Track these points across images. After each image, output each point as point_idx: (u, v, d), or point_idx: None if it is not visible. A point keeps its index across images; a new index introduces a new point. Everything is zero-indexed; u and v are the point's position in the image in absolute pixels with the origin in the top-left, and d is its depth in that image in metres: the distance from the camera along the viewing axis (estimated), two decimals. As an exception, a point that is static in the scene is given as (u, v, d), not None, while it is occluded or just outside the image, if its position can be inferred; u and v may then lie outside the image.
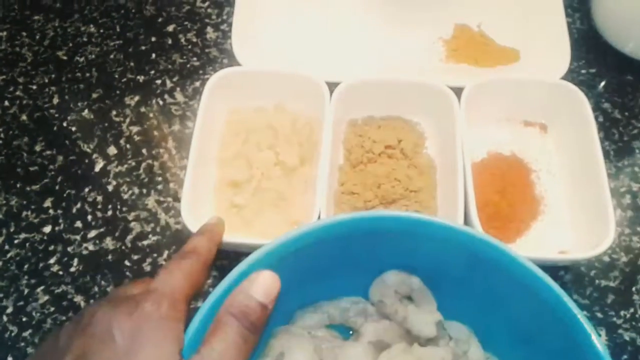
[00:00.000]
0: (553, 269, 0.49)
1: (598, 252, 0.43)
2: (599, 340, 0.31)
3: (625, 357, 0.46)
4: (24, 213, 0.52)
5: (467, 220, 0.46)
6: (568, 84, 0.52)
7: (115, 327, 0.27)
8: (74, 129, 0.56)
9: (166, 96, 0.58)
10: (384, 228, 0.36)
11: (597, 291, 0.48)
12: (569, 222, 0.49)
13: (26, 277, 0.49)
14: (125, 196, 0.53)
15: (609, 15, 0.59)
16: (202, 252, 0.35)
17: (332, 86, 0.52)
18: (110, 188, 0.53)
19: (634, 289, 0.49)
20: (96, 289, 0.49)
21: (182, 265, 0.33)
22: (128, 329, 0.27)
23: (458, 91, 0.51)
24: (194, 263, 0.33)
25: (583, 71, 0.60)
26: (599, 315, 0.47)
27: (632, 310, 0.48)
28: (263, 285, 0.29)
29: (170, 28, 0.62)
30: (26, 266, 0.50)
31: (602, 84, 0.59)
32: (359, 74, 0.54)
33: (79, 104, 0.58)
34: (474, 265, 0.37)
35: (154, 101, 0.58)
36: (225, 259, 0.49)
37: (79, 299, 0.48)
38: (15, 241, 0.51)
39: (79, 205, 0.52)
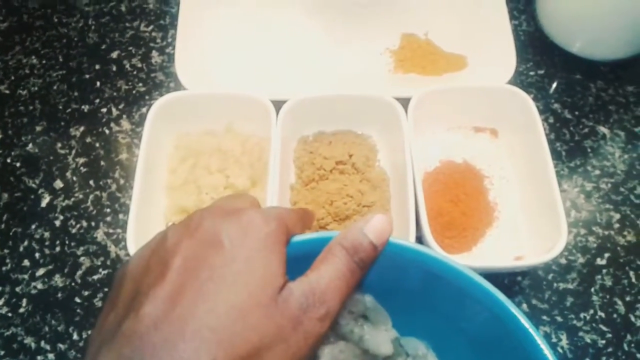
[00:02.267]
0: (511, 275, 0.49)
1: (551, 256, 0.43)
2: (550, 353, 0.31)
3: (587, 360, 0.46)
4: (-31, 255, 0.50)
5: (419, 232, 0.45)
6: (513, 88, 0.51)
7: (225, 235, 0.26)
8: (18, 164, 0.55)
9: (112, 124, 0.57)
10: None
11: (555, 294, 0.48)
12: (523, 227, 0.49)
13: (-28, 322, 0.47)
14: (74, 230, 0.51)
15: (554, 17, 0.59)
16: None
17: (281, 105, 0.51)
18: (57, 223, 0.52)
19: (592, 289, 0.48)
20: (47, 329, 0.47)
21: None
22: (238, 238, 0.26)
23: (408, 102, 0.51)
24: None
25: (532, 73, 0.60)
26: (559, 319, 0.47)
27: (591, 311, 0.47)
28: (377, 227, 0.28)
29: (115, 54, 0.61)
30: (-28, 310, 0.48)
31: (552, 84, 0.59)
32: (308, 91, 0.53)
33: (23, 138, 0.56)
34: (425, 280, 0.36)
35: (100, 130, 0.57)
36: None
37: (29, 340, 0.47)
38: (-40, 285, 0.49)
39: (26, 243, 0.51)
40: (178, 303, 0.24)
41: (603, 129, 0.56)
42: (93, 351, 0.24)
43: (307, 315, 0.25)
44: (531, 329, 0.31)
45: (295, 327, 0.25)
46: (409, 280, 0.37)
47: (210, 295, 0.24)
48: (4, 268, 0.50)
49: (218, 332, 0.23)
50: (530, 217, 0.49)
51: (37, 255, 0.50)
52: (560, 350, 0.46)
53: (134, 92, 0.59)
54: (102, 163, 0.55)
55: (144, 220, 0.47)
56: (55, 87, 0.59)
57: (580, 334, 0.47)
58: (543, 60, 0.60)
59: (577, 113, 0.57)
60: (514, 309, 0.32)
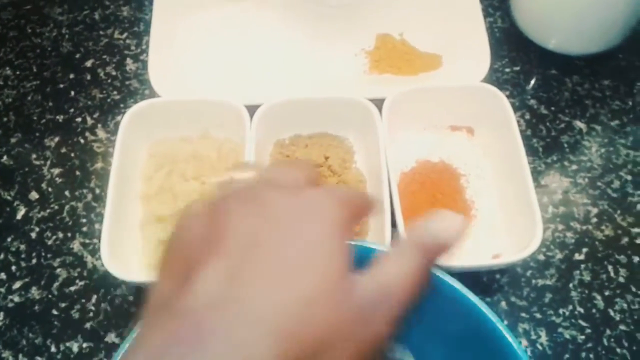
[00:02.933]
0: (489, 273, 0.49)
1: (526, 254, 0.43)
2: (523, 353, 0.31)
3: (567, 356, 0.45)
4: (-56, 270, 0.50)
5: (395, 232, 0.45)
6: (488, 86, 0.51)
7: (291, 214, 0.23)
8: (-7, 177, 0.55)
9: (87, 134, 0.57)
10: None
11: (534, 291, 0.48)
12: (500, 225, 0.49)
13: (-52, 337, 0.47)
14: (50, 242, 0.51)
15: (528, 12, 0.60)
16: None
17: (256, 109, 0.51)
18: (33, 235, 0.51)
19: (570, 285, 0.48)
20: (24, 342, 0.47)
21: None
22: (305, 220, 0.23)
23: (384, 102, 0.51)
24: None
25: (507, 70, 0.60)
26: (538, 315, 0.47)
27: (570, 307, 0.47)
28: (449, 225, 0.26)
29: (89, 63, 0.61)
30: (-52, 326, 0.47)
31: (527, 80, 0.59)
32: (283, 94, 0.53)
33: (-3, 150, 0.56)
34: None
35: (75, 140, 0.56)
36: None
37: (7, 354, 0.46)
38: (-64, 301, 0.49)
39: (1, 256, 0.50)
40: (236, 282, 0.21)
41: (579, 124, 0.56)
42: (145, 323, 0.22)
43: (377, 314, 0.23)
44: (499, 325, 0.31)
45: (365, 324, 0.22)
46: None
47: (273, 279, 0.21)
48: (-20, 282, 0.49)
49: (282, 321, 0.20)
50: (506, 215, 0.49)
51: (13, 268, 0.50)
52: (540, 347, 0.46)
53: (108, 100, 0.58)
54: (78, 173, 0.54)
55: (119, 230, 0.47)
56: (29, 98, 0.59)
57: (560, 330, 0.46)
58: (519, 57, 0.60)
59: (553, 108, 0.57)
60: (484, 308, 0.32)
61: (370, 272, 0.24)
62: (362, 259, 0.25)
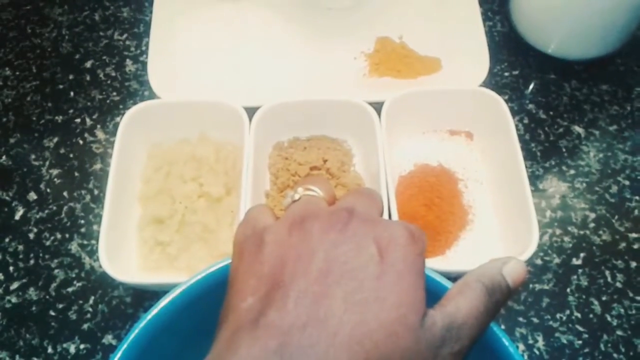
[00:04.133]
0: (487, 278, 0.49)
1: (523, 259, 0.43)
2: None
3: (563, 360, 0.46)
4: (-58, 270, 0.50)
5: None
6: (487, 91, 0.51)
7: (377, 244, 0.24)
8: (-9, 177, 0.55)
9: (86, 135, 0.57)
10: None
11: (531, 295, 0.48)
12: (497, 230, 0.49)
13: (-55, 338, 0.47)
14: (48, 243, 0.51)
15: (528, 17, 0.60)
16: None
17: (255, 111, 0.51)
18: (31, 236, 0.51)
19: (568, 290, 0.48)
20: (21, 343, 0.47)
21: None
22: (389, 252, 0.24)
23: (382, 106, 0.51)
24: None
25: (506, 74, 0.60)
26: (535, 320, 0.47)
27: (567, 312, 0.47)
28: (515, 269, 0.27)
29: (88, 64, 0.61)
30: (-55, 326, 0.47)
31: (526, 85, 0.59)
32: (283, 96, 0.53)
33: (-4, 150, 0.56)
34: None
35: (73, 141, 0.56)
36: (154, 299, 0.47)
37: (4, 355, 0.46)
38: None
39: (-1, 256, 0.51)
40: (323, 305, 0.22)
41: (578, 129, 0.56)
42: (228, 335, 0.23)
43: (445, 348, 0.24)
44: (495, 328, 0.31)
45: (435, 358, 0.23)
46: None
47: (358, 306, 0.23)
48: (-23, 282, 0.49)
49: (367, 348, 0.22)
50: (503, 220, 0.49)
51: (11, 268, 0.50)
52: (537, 352, 0.46)
53: (108, 101, 0.58)
54: (77, 174, 0.54)
55: (117, 231, 0.47)
56: (28, 98, 0.59)
57: (557, 334, 0.47)
58: (518, 61, 0.61)
59: (551, 113, 0.57)
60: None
61: (441, 307, 0.24)
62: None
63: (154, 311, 0.32)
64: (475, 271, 0.27)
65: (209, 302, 0.33)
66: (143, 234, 0.49)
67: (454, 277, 0.44)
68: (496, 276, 0.26)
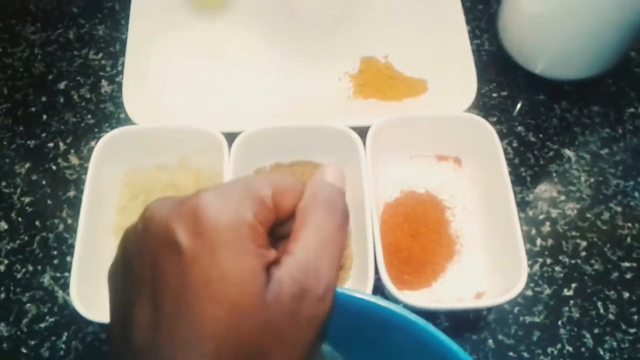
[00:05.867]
0: (475, 310, 0.47)
1: (510, 296, 0.41)
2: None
3: (555, 398, 0.44)
4: None
5: (378, 268, 0.43)
6: (475, 117, 0.50)
7: (179, 232, 0.21)
8: (-40, 205, 0.52)
9: (60, 160, 0.54)
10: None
11: (522, 329, 0.47)
12: (484, 262, 0.47)
13: None
14: (19, 275, 0.49)
15: (515, 36, 0.58)
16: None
17: (236, 136, 0.49)
18: (2, 268, 0.49)
19: (559, 322, 0.47)
20: (-10, 383, 0.45)
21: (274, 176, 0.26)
22: (194, 235, 0.21)
23: (367, 130, 0.49)
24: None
25: (494, 95, 0.58)
26: (526, 354, 0.46)
27: (559, 346, 0.46)
28: (335, 173, 0.25)
29: (62, 85, 0.58)
30: None
31: (515, 106, 0.58)
32: (265, 120, 0.51)
33: (-35, 177, 0.54)
34: (382, 328, 0.36)
35: (46, 167, 0.54)
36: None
37: (-29, 396, 0.44)
38: None
39: (-32, 290, 0.48)
40: (161, 320, 0.21)
41: (568, 152, 0.55)
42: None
43: (305, 302, 0.22)
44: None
45: (295, 320, 0.22)
46: (365, 329, 0.36)
47: (189, 308, 0.21)
48: (-56, 318, 0.47)
49: (214, 331, 0.20)
50: (491, 252, 0.47)
51: (-21, 303, 0.48)
52: (528, 389, 0.44)
53: (82, 124, 0.56)
54: (49, 202, 0.52)
55: (90, 265, 0.45)
56: (-1, 122, 0.57)
57: (548, 370, 0.45)
58: (506, 81, 0.59)
59: (541, 136, 0.56)
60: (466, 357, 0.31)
61: (288, 255, 0.22)
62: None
63: None
64: (305, 195, 0.24)
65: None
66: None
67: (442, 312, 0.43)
68: (325, 189, 0.24)
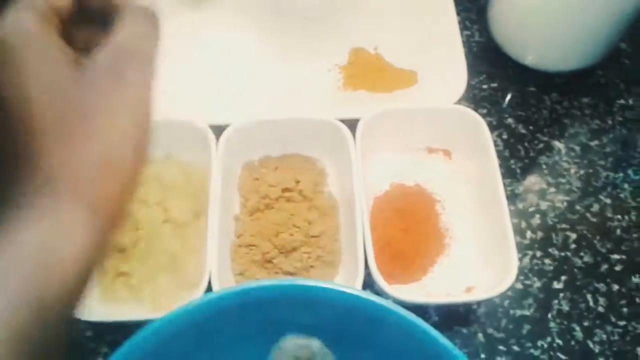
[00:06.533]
0: (466, 304, 0.47)
1: (500, 290, 0.41)
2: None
3: (545, 391, 0.44)
4: None
5: (368, 263, 0.43)
6: (466, 109, 0.49)
7: None
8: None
9: (44, 154, 0.53)
10: (272, 297, 0.34)
11: (512, 322, 0.46)
12: (474, 255, 0.47)
13: None
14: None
15: (505, 27, 0.58)
16: None
17: (224, 129, 0.49)
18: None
19: (549, 315, 0.47)
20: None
21: None
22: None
23: (357, 122, 0.48)
24: None
25: (485, 86, 0.58)
26: (516, 348, 0.45)
27: (549, 339, 0.46)
28: None
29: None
30: None
31: (505, 97, 0.57)
32: (253, 112, 0.51)
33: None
34: (372, 324, 0.35)
35: (30, 161, 0.53)
36: (117, 333, 0.44)
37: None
38: None
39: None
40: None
41: (558, 144, 0.55)
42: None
43: (124, 69, 0.26)
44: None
45: (117, 84, 0.25)
46: (355, 324, 0.36)
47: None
48: None
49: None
50: (481, 245, 0.47)
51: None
52: (518, 382, 0.44)
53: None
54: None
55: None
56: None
57: (538, 363, 0.45)
58: (496, 72, 0.58)
59: (531, 127, 0.55)
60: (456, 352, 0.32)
61: (105, 44, 0.26)
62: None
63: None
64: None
65: (181, 344, 0.31)
66: (104, 264, 0.46)
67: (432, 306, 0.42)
68: None
